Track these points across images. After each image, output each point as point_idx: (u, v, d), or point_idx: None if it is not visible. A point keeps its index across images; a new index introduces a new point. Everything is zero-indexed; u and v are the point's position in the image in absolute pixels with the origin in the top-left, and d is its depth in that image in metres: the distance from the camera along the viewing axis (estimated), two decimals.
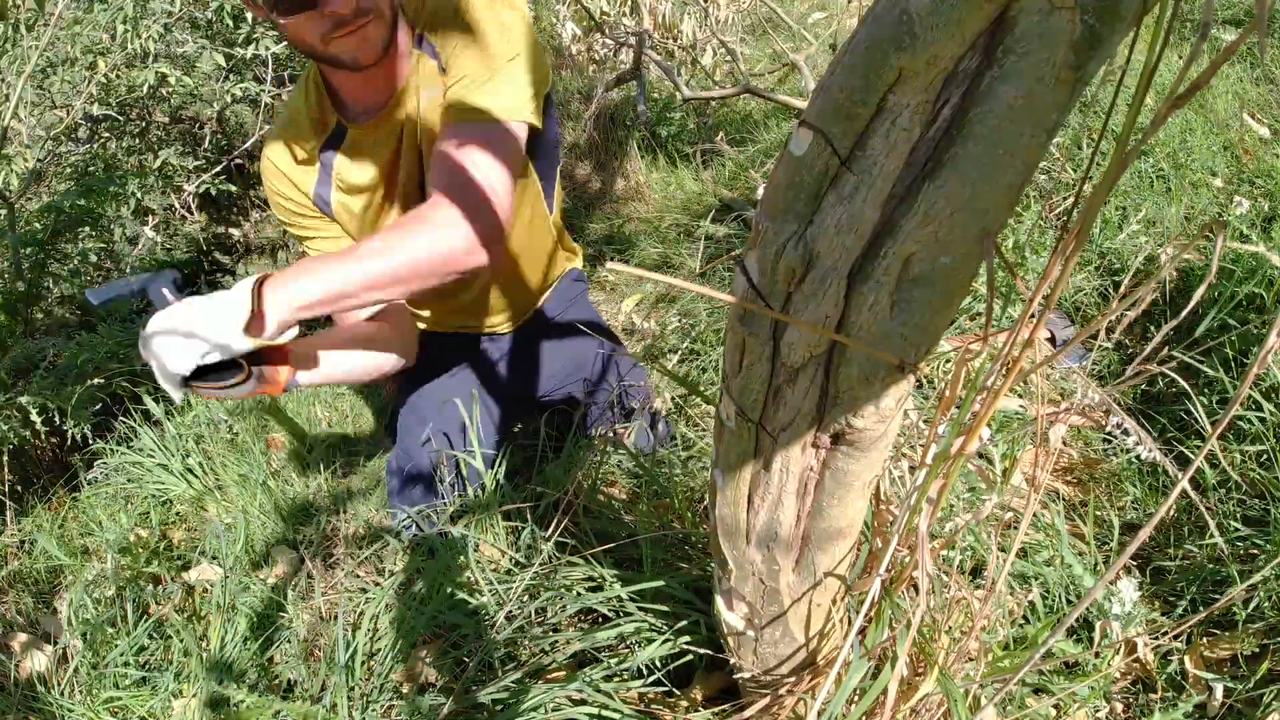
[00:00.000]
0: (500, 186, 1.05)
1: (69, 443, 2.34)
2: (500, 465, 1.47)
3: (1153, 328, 1.69)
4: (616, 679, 1.10)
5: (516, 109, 1.11)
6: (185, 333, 0.92)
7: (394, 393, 1.64)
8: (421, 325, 1.54)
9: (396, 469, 1.50)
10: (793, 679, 0.90)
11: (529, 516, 1.40)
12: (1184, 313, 0.60)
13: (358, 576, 1.52)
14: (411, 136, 1.24)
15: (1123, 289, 1.46)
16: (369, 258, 0.98)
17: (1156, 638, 1.13)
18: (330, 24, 1.03)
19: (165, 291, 1.07)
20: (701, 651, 1.08)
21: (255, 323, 0.94)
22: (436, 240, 1.00)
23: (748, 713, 0.92)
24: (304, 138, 1.27)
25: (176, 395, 0.97)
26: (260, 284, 0.96)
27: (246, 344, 0.93)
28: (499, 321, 1.57)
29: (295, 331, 1.00)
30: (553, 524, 1.33)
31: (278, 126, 1.31)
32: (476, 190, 1.03)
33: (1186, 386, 0.89)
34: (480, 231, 1.02)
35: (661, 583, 1.13)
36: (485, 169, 1.04)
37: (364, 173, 1.28)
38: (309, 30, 1.04)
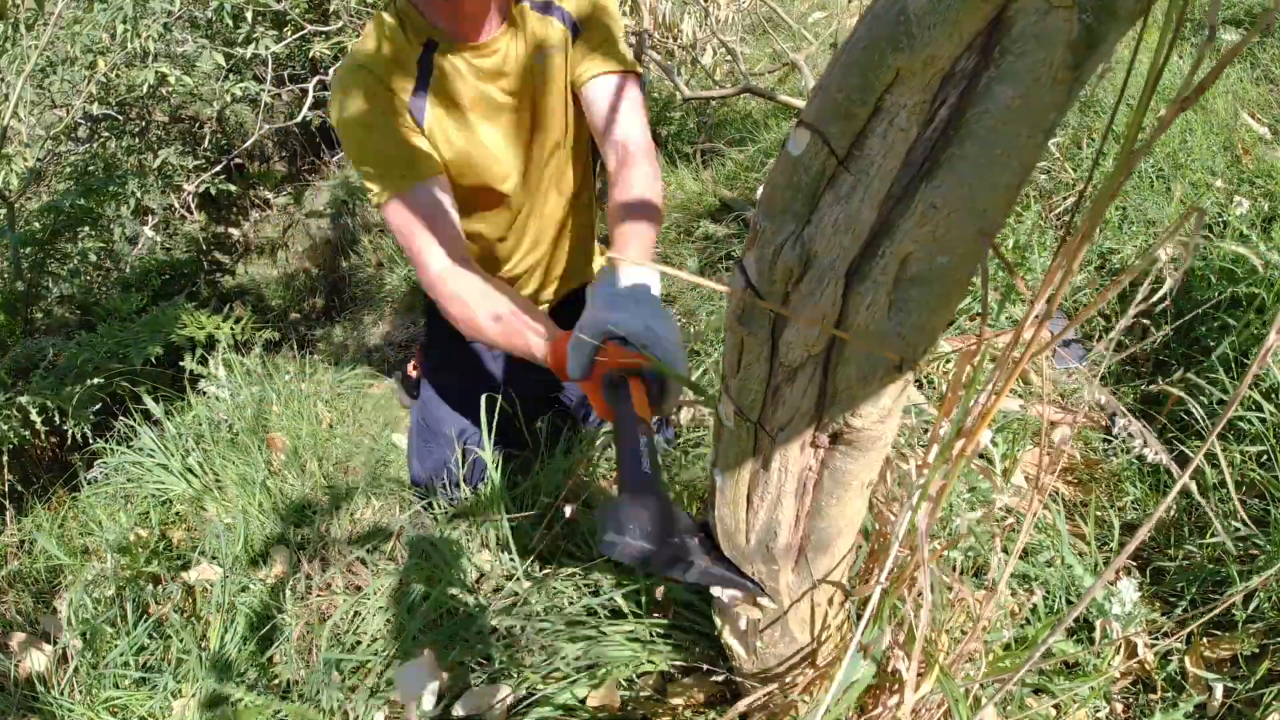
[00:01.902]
0: (648, 133, 1.30)
1: (69, 442, 2.34)
2: (497, 467, 1.47)
3: (1153, 328, 1.68)
4: (615, 680, 1.10)
5: (635, 64, 1.34)
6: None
7: (420, 363, 1.75)
8: None
9: (419, 430, 1.66)
10: (792, 679, 0.90)
11: (527, 515, 1.40)
12: (1161, 295, 0.60)
13: (353, 574, 1.52)
14: (528, 68, 1.34)
15: (1138, 298, 1.46)
16: (654, 201, 1.17)
17: (1156, 638, 1.12)
18: None
19: None
20: (702, 653, 1.08)
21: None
22: (659, 183, 1.23)
23: (741, 706, 0.92)
24: (399, 51, 1.25)
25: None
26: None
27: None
28: (538, 293, 1.67)
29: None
30: (552, 524, 1.33)
31: (362, 51, 1.26)
32: (643, 143, 1.27)
33: (1185, 396, 0.89)
34: (657, 174, 1.26)
35: (662, 585, 1.13)
36: (639, 121, 1.30)
37: (462, 92, 1.31)
38: None
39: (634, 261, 1.04)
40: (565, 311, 1.70)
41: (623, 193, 1.19)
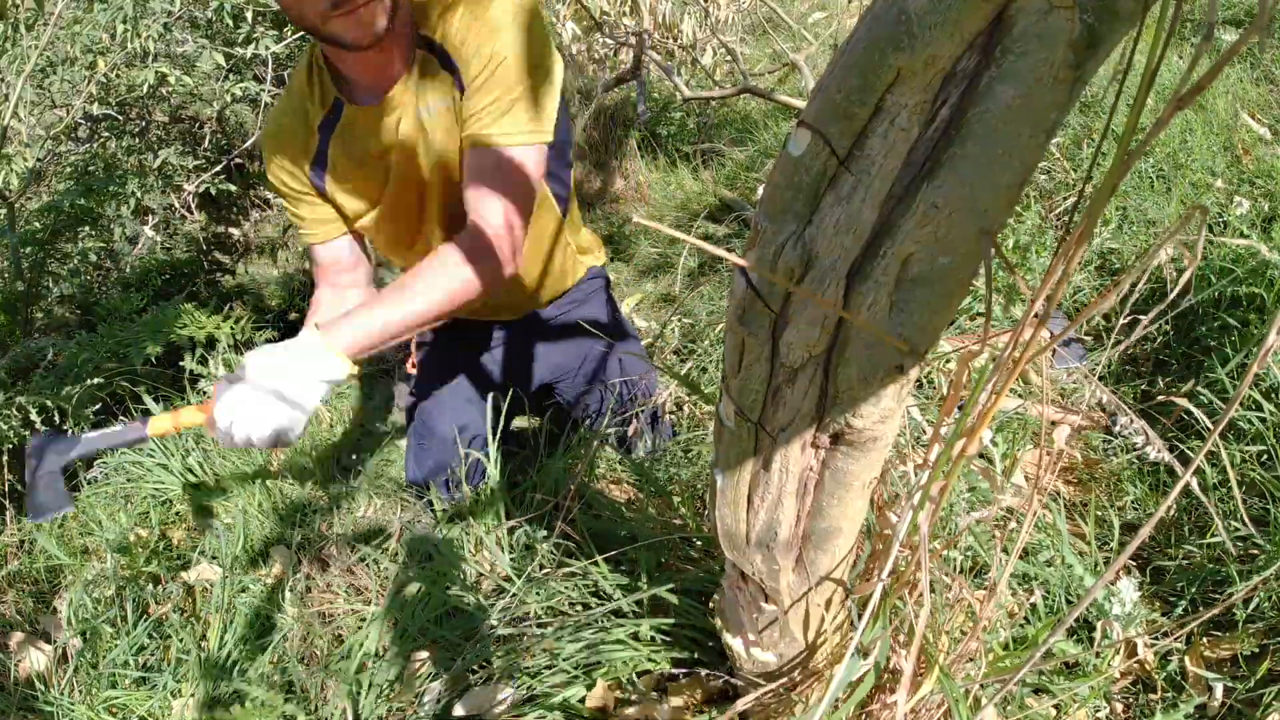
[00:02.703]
0: (515, 219, 1.18)
1: None
2: (497, 465, 1.47)
3: (1153, 328, 1.68)
4: (615, 681, 1.10)
5: (534, 132, 1.20)
6: (294, 390, 1.07)
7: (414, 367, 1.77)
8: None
9: (416, 442, 1.66)
10: (792, 680, 0.90)
11: (527, 517, 1.40)
12: (1171, 296, 0.60)
13: (353, 574, 1.52)
14: (412, 133, 1.28)
15: (1128, 292, 1.46)
16: (403, 303, 1.13)
17: (1156, 638, 1.12)
18: (329, 3, 1.07)
19: (112, 431, 1.12)
20: (702, 653, 1.08)
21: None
22: (455, 282, 1.16)
23: (740, 706, 0.92)
24: (306, 115, 1.33)
25: (297, 437, 1.10)
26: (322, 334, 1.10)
27: (331, 386, 1.11)
28: (502, 314, 1.63)
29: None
30: (551, 525, 1.33)
31: (281, 103, 1.37)
32: (494, 229, 1.17)
33: (1188, 404, 0.88)
34: (495, 267, 1.17)
35: (663, 586, 1.13)
36: (502, 206, 1.17)
37: (356, 155, 1.33)
38: (310, 7, 1.08)
39: (321, 337, 1.09)
40: (519, 328, 1.67)
41: (417, 267, 1.18)
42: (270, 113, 1.37)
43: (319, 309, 1.40)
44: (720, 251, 0.54)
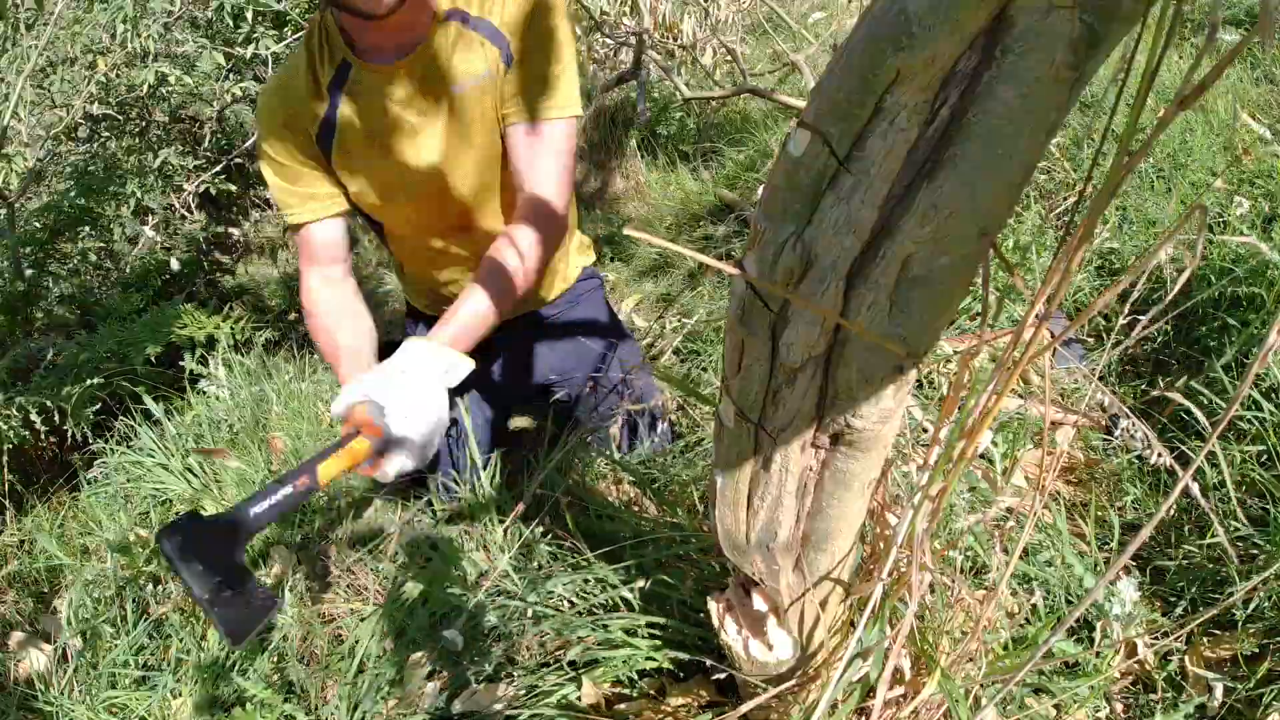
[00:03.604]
0: (568, 190, 1.25)
1: (69, 442, 2.34)
2: (495, 466, 1.47)
3: (1153, 328, 1.68)
4: (615, 681, 1.10)
5: (575, 104, 1.25)
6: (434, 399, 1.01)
7: None
8: (424, 308, 1.67)
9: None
10: (792, 680, 0.90)
11: (526, 518, 1.40)
12: (1170, 296, 0.60)
13: (353, 574, 1.52)
14: (444, 100, 1.28)
15: (1132, 295, 1.46)
16: (499, 293, 1.16)
17: (1156, 638, 1.12)
18: None
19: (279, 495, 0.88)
20: (702, 654, 1.08)
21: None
22: (533, 262, 1.19)
23: (743, 709, 0.92)
24: (314, 76, 1.29)
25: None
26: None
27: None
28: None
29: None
30: (550, 525, 1.33)
31: (280, 73, 1.33)
32: (556, 201, 1.22)
33: (1188, 403, 0.88)
34: (559, 241, 1.24)
35: (662, 585, 1.13)
36: (559, 177, 1.23)
37: (374, 115, 1.29)
38: None
39: (440, 343, 1.08)
40: (517, 329, 1.66)
41: (493, 253, 1.19)
42: (268, 80, 1.31)
43: (321, 307, 1.34)
44: (714, 262, 0.54)
